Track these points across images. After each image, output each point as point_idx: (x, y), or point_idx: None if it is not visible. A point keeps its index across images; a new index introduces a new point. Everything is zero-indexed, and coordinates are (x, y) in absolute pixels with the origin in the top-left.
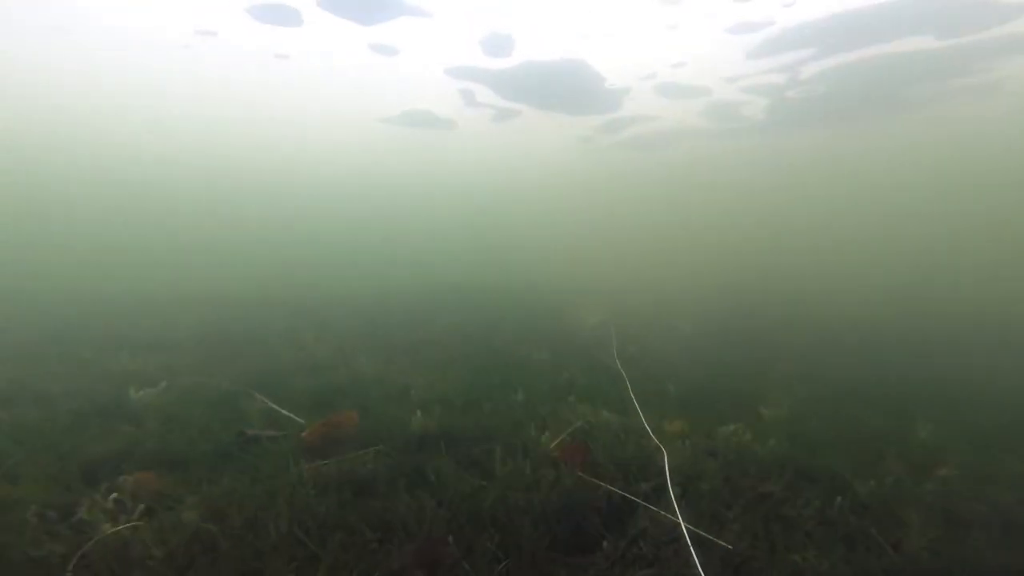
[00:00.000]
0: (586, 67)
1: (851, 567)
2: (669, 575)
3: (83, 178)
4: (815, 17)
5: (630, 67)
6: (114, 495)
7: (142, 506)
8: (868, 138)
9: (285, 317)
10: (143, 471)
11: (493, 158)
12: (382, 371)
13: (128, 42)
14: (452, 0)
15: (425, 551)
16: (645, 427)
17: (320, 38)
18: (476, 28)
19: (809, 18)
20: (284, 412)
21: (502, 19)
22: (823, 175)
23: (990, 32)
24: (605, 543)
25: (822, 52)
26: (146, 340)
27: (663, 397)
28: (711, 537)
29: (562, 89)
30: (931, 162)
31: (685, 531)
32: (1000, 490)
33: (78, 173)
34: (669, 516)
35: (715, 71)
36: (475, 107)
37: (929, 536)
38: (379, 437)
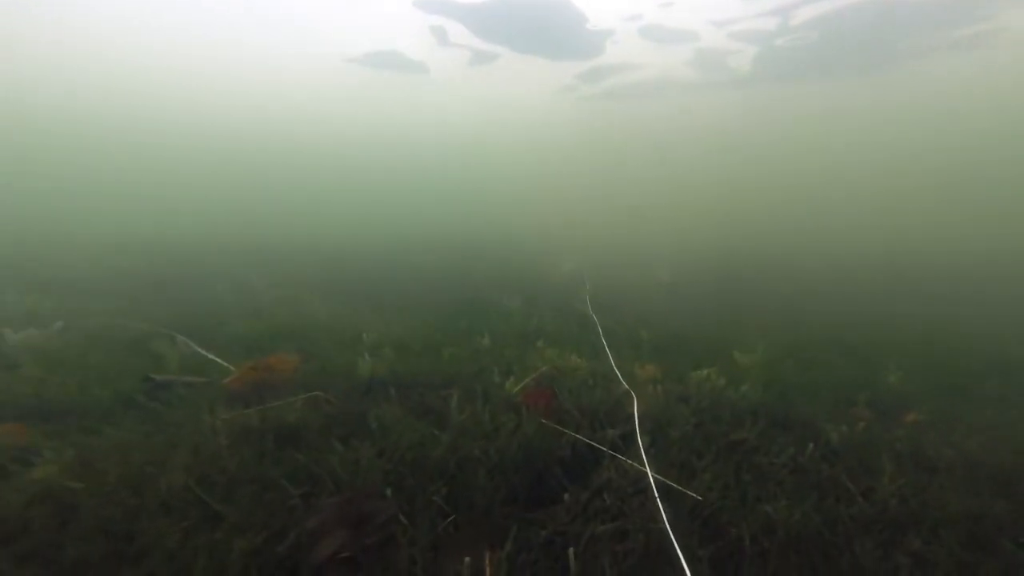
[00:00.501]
0: (568, 5)
1: (822, 515)
2: (634, 529)
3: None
4: None
5: (614, 5)
6: None
7: None
8: (858, 93)
9: (239, 264)
10: (13, 423)
11: (469, 106)
12: (336, 316)
13: None
14: None
15: (352, 504)
16: (615, 372)
17: None
18: None
19: None
20: (211, 357)
21: None
22: (810, 130)
23: None
24: (567, 495)
25: None
26: (51, 279)
27: (636, 343)
28: (680, 488)
29: (541, 29)
30: (921, 119)
31: (652, 482)
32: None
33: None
34: (636, 465)
35: (704, 13)
36: (449, 47)
37: (898, 483)
38: (320, 384)
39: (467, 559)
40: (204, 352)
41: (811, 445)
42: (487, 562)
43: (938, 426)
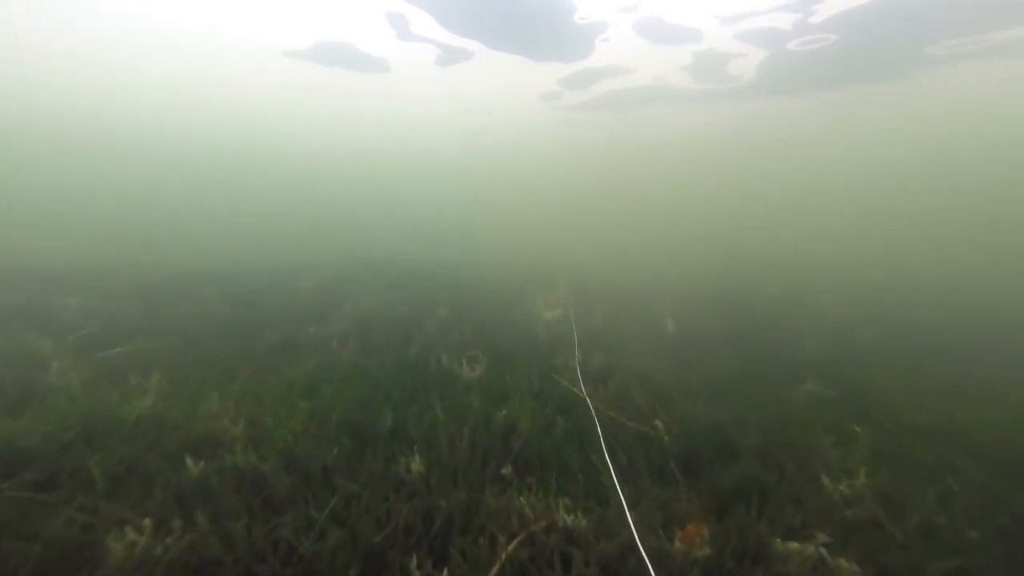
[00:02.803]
0: None
1: None
2: None
3: None
4: None
5: None
6: None
7: None
8: (869, 105)
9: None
10: None
11: (437, 114)
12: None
13: None
14: None
15: None
16: (636, 544)
17: None
18: None
19: None
20: None
21: None
22: (816, 148)
23: None
24: None
25: None
26: None
27: (660, 459)
28: None
29: (523, 22)
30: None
31: None
32: None
33: None
34: None
35: (710, 4)
36: (411, 41)
37: None
38: None
39: None
40: None
41: None
42: None
43: None
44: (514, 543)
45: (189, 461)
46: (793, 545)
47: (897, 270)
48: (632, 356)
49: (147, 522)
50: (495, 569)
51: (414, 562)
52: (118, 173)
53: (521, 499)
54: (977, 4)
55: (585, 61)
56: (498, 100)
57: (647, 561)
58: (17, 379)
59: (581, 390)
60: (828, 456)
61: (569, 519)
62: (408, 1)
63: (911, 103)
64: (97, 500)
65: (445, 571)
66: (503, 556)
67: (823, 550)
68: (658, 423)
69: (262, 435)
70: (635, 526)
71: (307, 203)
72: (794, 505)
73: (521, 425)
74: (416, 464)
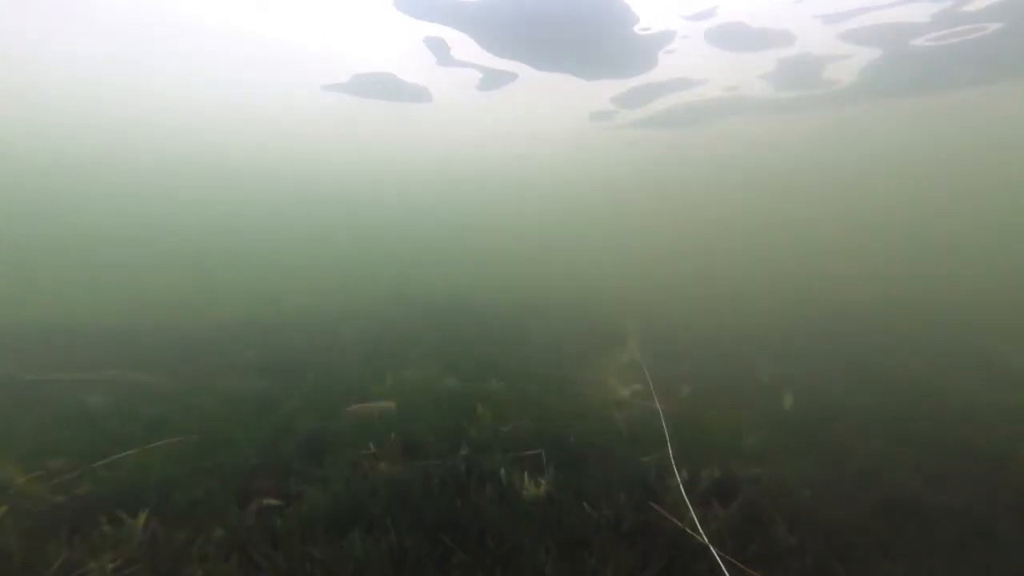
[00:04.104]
0: (613, 1)
1: None
2: None
3: None
4: None
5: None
6: None
7: None
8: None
9: None
10: None
11: (481, 141)
12: None
13: None
14: None
15: None
16: None
17: None
18: None
19: None
20: None
21: None
22: (939, 155)
23: None
24: None
25: None
26: None
27: None
28: None
29: (575, 37)
30: None
31: None
32: None
33: None
34: None
35: (811, 3)
36: (452, 67)
37: None
38: None
39: None
40: None
41: None
42: None
43: None
44: None
45: None
46: None
47: None
48: (749, 451)
49: None
50: None
51: None
52: (154, 220)
53: None
54: None
55: (645, 76)
56: (544, 122)
57: None
58: None
59: (697, 531)
60: None
61: None
62: (447, 25)
63: None
64: None
65: None
66: None
67: None
68: None
69: None
70: None
71: (351, 241)
72: None
73: None
74: None
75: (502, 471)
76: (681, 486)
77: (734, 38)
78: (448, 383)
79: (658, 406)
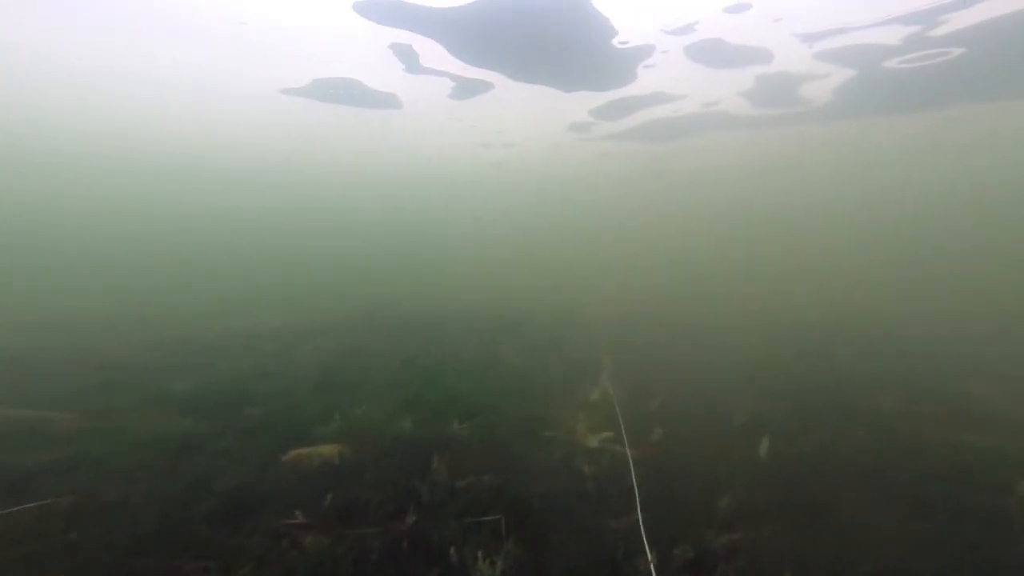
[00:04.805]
0: (591, 14)
1: None
2: None
3: None
4: None
5: (657, 11)
6: None
7: None
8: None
9: None
10: None
11: (455, 151)
12: None
13: None
14: None
15: None
16: None
17: None
18: None
19: None
20: None
21: None
22: (909, 170)
23: None
24: None
25: None
26: None
27: None
28: None
29: (551, 47)
30: None
31: None
32: None
33: None
34: None
35: (792, 22)
36: (421, 74)
37: None
38: None
39: None
40: None
41: None
42: None
43: None
44: None
45: None
46: None
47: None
48: (724, 513)
49: None
50: None
51: None
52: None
53: None
54: None
55: (623, 90)
56: (520, 132)
57: None
58: None
59: None
60: None
61: None
62: (414, 31)
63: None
64: None
65: None
66: None
67: None
68: None
69: None
70: None
71: (317, 252)
72: None
73: None
74: None
75: (453, 550)
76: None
77: (713, 54)
78: (404, 425)
79: (628, 453)
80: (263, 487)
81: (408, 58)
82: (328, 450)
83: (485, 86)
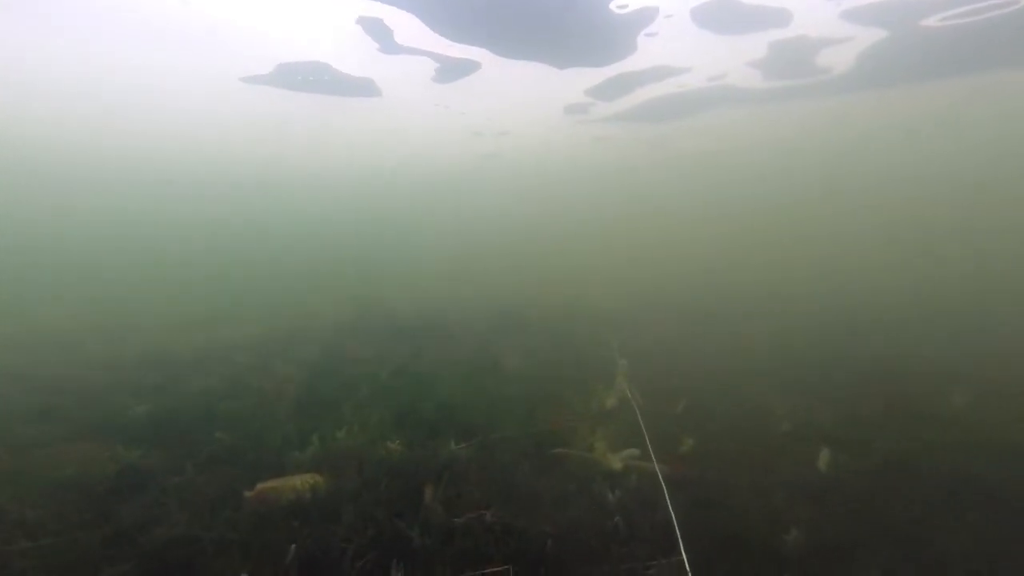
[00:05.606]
0: None
1: None
2: None
3: None
4: None
5: None
6: None
7: None
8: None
9: None
10: None
11: (441, 141)
12: None
13: None
14: None
15: None
16: None
17: None
18: None
19: None
20: None
21: None
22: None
23: None
24: None
25: None
26: None
27: None
28: None
29: (540, 18)
30: None
31: None
32: None
33: None
34: None
35: None
36: (398, 54)
37: None
38: None
39: None
40: None
41: None
42: None
43: None
44: None
45: None
46: None
47: None
48: (817, 553)
49: None
50: None
51: None
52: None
53: None
54: None
55: (623, 63)
56: (513, 118)
57: None
58: None
59: None
60: None
61: None
62: (387, 3)
63: None
64: None
65: None
66: None
67: None
68: None
69: None
70: None
71: (302, 253)
72: None
73: None
74: None
75: None
76: None
77: (725, 16)
78: (392, 447)
79: (658, 472)
80: (210, 536)
81: (381, 35)
82: (301, 482)
83: (471, 66)
